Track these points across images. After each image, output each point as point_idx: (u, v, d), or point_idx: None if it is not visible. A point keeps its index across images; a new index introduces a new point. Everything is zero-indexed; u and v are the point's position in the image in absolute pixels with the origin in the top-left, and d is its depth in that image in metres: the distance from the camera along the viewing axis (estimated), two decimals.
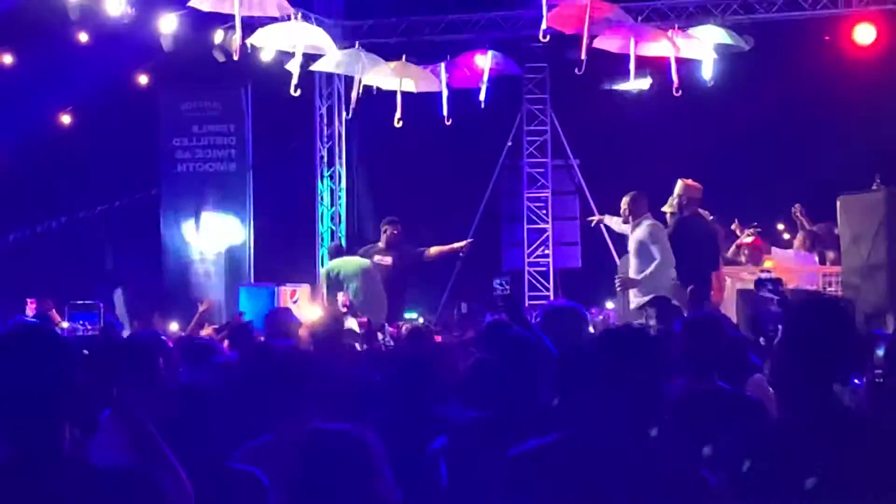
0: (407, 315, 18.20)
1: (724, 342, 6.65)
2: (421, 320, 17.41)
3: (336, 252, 15.45)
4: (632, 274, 12.59)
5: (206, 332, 12.21)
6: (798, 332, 4.22)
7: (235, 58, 14.85)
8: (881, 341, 6.47)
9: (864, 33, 17.40)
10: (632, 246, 12.78)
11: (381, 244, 15.26)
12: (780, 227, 16.77)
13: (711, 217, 14.26)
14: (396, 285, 15.06)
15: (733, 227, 15.92)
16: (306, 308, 16.85)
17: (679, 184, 12.91)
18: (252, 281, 18.65)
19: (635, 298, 12.52)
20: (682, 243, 12.49)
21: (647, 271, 12.42)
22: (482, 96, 16.96)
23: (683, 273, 12.36)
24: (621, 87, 17.32)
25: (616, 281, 13.05)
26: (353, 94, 16.19)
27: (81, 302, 13.98)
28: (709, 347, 6.49)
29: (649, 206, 12.88)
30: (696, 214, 12.91)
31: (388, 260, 15.06)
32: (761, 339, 10.58)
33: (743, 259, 15.36)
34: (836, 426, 3.99)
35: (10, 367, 3.52)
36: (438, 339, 10.99)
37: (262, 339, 9.66)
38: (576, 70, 14.85)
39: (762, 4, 17.90)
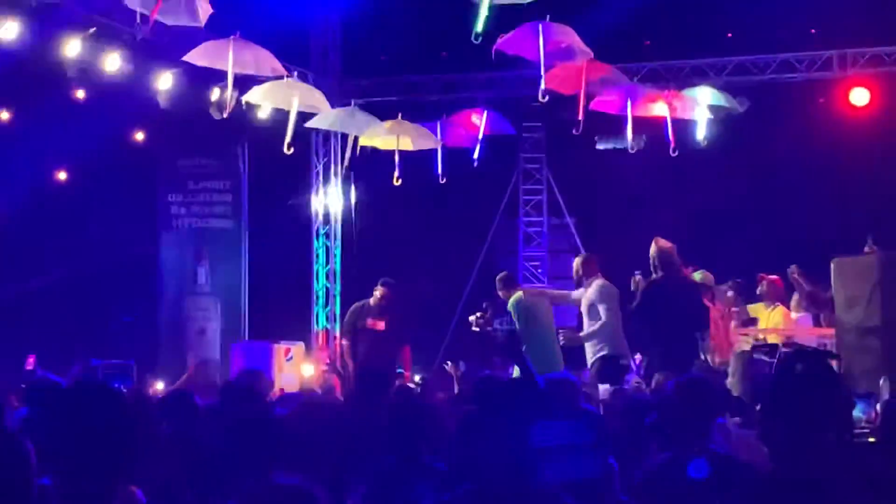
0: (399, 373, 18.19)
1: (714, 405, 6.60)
2: (417, 378, 17.40)
3: None
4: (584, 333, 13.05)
5: None
6: (783, 381, 4.24)
7: (226, 115, 14.88)
8: (861, 402, 6.48)
9: (860, 96, 17.50)
10: (584, 305, 13.25)
11: (374, 306, 15.08)
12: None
13: (698, 271, 14.27)
14: (389, 349, 14.80)
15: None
16: (301, 366, 16.87)
17: (652, 246, 12.99)
18: (247, 338, 18.61)
19: (589, 356, 12.87)
20: (653, 306, 12.54)
21: (591, 330, 12.93)
22: (476, 154, 16.99)
23: (659, 335, 12.44)
24: (611, 145, 17.35)
25: (560, 338, 13.31)
26: (348, 153, 16.24)
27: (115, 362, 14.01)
28: (698, 411, 6.44)
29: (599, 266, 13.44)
30: (672, 276, 12.86)
31: (380, 325, 14.90)
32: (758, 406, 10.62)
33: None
34: (826, 480, 3.97)
35: (81, 420, 3.56)
36: (440, 396, 11.04)
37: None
38: (573, 130, 14.89)
39: (756, 66, 18.00)
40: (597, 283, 13.25)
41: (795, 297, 15.31)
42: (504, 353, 6.82)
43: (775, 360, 10.14)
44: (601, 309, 13.02)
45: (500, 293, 14.42)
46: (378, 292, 14.95)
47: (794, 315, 15.04)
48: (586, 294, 13.23)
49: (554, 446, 5.87)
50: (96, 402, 3.71)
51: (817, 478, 4.00)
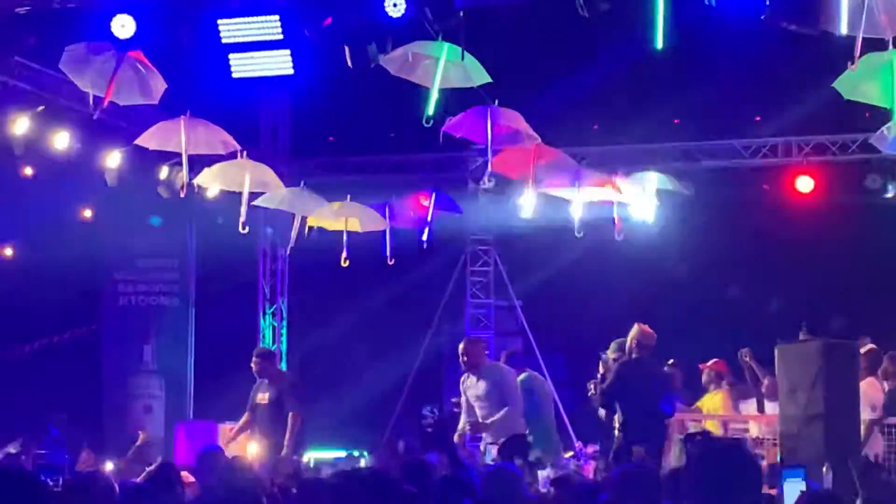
0: (348, 453, 18.11)
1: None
2: (364, 460, 17.33)
3: None
4: (481, 418, 13.02)
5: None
6: (695, 473, 4.32)
7: (182, 195, 14.89)
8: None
9: (805, 183, 17.72)
10: (479, 391, 13.17)
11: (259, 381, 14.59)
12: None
13: (671, 362, 14.37)
14: (276, 421, 14.22)
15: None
16: (245, 446, 16.70)
17: (634, 328, 13.07)
18: (192, 416, 18.48)
19: (488, 443, 12.84)
20: (629, 385, 12.62)
21: (496, 416, 12.89)
22: (425, 237, 17.03)
23: (632, 415, 12.50)
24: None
25: (466, 427, 13.26)
26: (294, 232, 16.25)
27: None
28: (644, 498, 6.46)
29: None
30: (647, 360, 13.00)
31: (265, 397, 14.46)
32: None
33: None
34: None
35: None
36: None
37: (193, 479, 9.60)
38: (521, 214, 14.96)
39: (702, 152, 18.20)
40: (498, 367, 13.53)
41: (767, 380, 15.21)
42: (431, 442, 6.78)
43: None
44: (505, 394, 13.12)
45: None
46: (253, 365, 14.56)
47: (767, 403, 15.06)
48: (484, 379, 13.26)
49: None
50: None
51: None
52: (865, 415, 12.97)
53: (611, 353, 13.44)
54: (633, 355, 12.94)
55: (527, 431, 13.28)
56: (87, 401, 18.77)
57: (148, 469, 11.29)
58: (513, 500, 6.55)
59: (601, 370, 13.02)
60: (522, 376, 14.05)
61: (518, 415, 13.26)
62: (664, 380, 13.18)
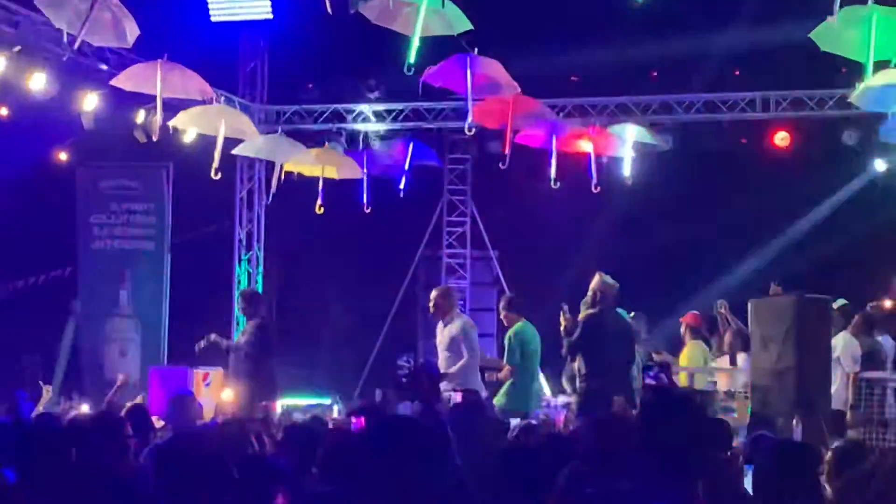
0: (321, 401, 18.15)
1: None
2: (336, 407, 17.37)
3: None
4: (443, 367, 12.93)
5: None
6: (645, 422, 4.35)
7: (156, 139, 14.84)
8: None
9: (782, 138, 17.77)
10: (444, 340, 13.23)
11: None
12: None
13: (632, 314, 14.37)
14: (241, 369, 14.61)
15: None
16: (220, 391, 16.75)
17: (595, 278, 13.01)
18: (166, 361, 18.48)
19: (450, 391, 12.76)
20: (595, 339, 12.61)
21: (454, 368, 12.90)
22: (402, 185, 17.01)
23: (595, 368, 12.51)
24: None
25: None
26: (273, 180, 16.22)
27: None
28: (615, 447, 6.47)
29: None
30: (611, 311, 12.96)
31: (239, 340, 14.86)
32: None
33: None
34: None
35: None
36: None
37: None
38: (499, 164, 14.96)
39: (681, 105, 18.20)
40: (460, 320, 13.39)
41: (728, 335, 15.35)
42: (406, 392, 6.73)
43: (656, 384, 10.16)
44: (464, 347, 13.14)
45: (502, 313, 14.24)
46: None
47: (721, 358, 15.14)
48: (448, 329, 13.26)
49: None
50: None
51: None
52: (849, 368, 13.10)
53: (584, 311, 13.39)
54: (596, 306, 12.91)
55: (482, 388, 13.41)
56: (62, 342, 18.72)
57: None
58: (477, 426, 6.58)
59: (562, 322, 13.00)
60: (518, 325, 13.98)
61: (474, 369, 13.30)
62: (627, 330, 13.12)
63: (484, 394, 13.25)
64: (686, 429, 4.28)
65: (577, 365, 12.94)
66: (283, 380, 15.43)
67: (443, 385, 12.96)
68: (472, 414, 6.85)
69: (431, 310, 13.65)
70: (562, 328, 13.00)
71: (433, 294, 13.81)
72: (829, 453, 8.23)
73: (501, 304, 14.27)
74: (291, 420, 12.50)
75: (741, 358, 14.73)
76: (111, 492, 4.85)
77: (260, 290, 19.85)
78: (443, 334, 13.35)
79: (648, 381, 5.37)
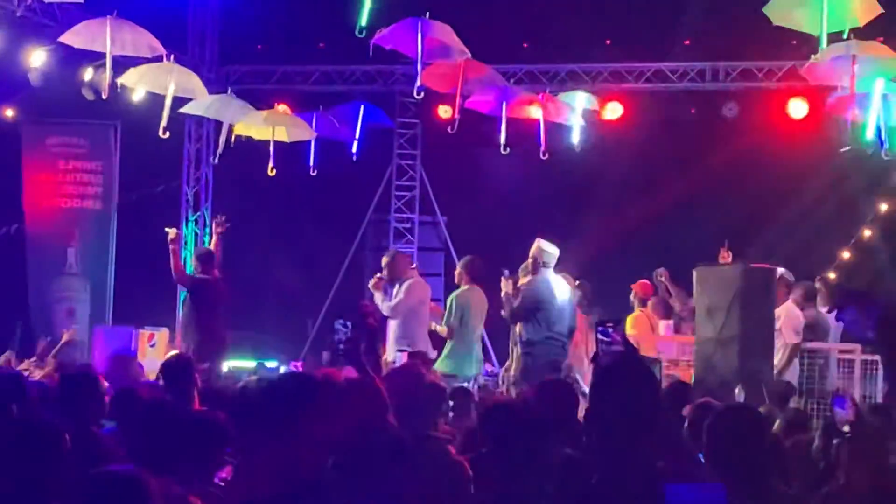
0: (269, 363, 18.13)
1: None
2: (283, 368, 17.35)
3: None
4: (394, 330, 13.43)
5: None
6: (600, 388, 4.36)
7: (105, 97, 14.72)
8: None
9: (729, 108, 17.87)
10: (394, 300, 13.59)
11: None
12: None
13: (577, 282, 14.39)
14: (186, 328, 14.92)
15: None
16: (164, 352, 16.69)
17: (535, 244, 13.02)
18: (111, 322, 18.38)
19: (397, 350, 13.10)
20: (532, 305, 12.67)
21: (397, 321, 13.47)
22: (354, 149, 16.96)
23: (534, 334, 12.60)
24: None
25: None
26: (221, 140, 16.15)
27: None
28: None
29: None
30: (547, 277, 12.98)
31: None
32: None
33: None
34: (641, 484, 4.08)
35: None
36: None
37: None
38: (448, 129, 14.95)
39: (632, 74, 18.26)
40: (409, 281, 13.71)
41: (651, 301, 15.46)
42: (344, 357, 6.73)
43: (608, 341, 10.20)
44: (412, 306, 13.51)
45: (457, 271, 14.31)
46: None
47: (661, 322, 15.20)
48: (399, 291, 13.58)
49: None
50: None
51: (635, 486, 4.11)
52: (790, 339, 13.18)
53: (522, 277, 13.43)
54: (536, 272, 12.95)
55: (429, 348, 13.54)
56: (11, 302, 18.55)
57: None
58: (413, 389, 6.59)
59: (503, 288, 13.04)
60: (464, 289, 14.05)
61: (421, 328, 13.50)
62: (567, 297, 13.15)
63: (432, 355, 13.36)
64: (645, 391, 4.30)
65: (518, 331, 12.98)
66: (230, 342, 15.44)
67: (393, 347, 13.09)
68: (408, 377, 6.88)
69: (385, 273, 13.74)
70: (502, 294, 13.05)
71: (384, 259, 13.92)
72: (777, 422, 8.35)
73: (461, 263, 14.27)
74: (236, 382, 12.47)
75: (662, 325, 14.83)
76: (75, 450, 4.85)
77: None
78: (397, 297, 13.50)
79: (600, 337, 5.34)
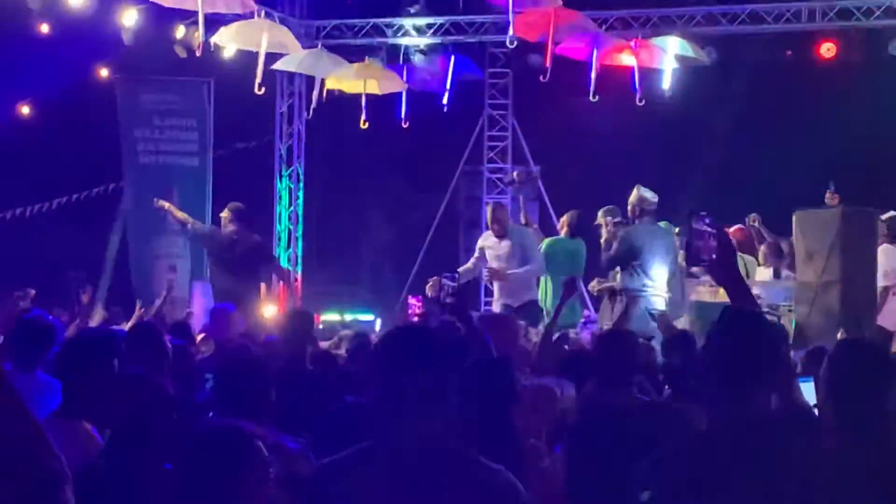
0: (363, 316, 18.22)
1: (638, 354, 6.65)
2: (379, 321, 17.44)
3: None
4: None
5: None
6: (715, 343, 4.27)
7: (198, 54, 14.79)
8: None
9: (827, 49, 17.57)
10: (503, 251, 13.55)
11: None
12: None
13: (677, 230, 14.27)
14: None
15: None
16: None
17: (634, 191, 12.87)
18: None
19: (503, 304, 13.27)
20: (630, 252, 12.54)
21: (519, 270, 13.37)
22: (445, 100, 16.92)
23: (633, 282, 12.51)
24: None
25: (485, 272, 13.72)
26: (314, 95, 16.19)
27: None
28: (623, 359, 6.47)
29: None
30: (648, 224, 12.85)
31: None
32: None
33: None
34: (758, 436, 4.00)
35: None
36: None
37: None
38: (540, 77, 14.86)
39: (726, 17, 18.00)
40: (528, 230, 14.00)
41: (763, 249, 15.24)
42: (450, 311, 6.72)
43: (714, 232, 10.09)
44: (530, 255, 13.49)
45: (562, 221, 14.40)
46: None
47: (761, 268, 15.01)
48: (513, 239, 13.58)
49: None
50: None
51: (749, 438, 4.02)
52: (883, 281, 12.96)
53: (601, 218, 13.36)
54: (635, 220, 12.83)
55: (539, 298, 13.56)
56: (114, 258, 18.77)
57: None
58: (508, 340, 6.59)
59: (603, 235, 12.98)
60: (549, 240, 14.10)
61: (535, 277, 13.49)
62: (669, 244, 13.01)
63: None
64: (765, 342, 4.21)
65: (618, 279, 12.92)
66: (321, 297, 15.52)
67: (496, 298, 13.17)
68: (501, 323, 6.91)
69: (491, 224, 13.74)
70: (601, 241, 12.98)
71: (491, 210, 13.95)
72: None
73: (566, 216, 14.31)
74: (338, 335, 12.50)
75: (764, 272, 14.63)
76: (156, 401, 4.85)
77: (301, 206, 19.91)
78: (500, 247, 13.48)
79: (703, 227, 5.13)
